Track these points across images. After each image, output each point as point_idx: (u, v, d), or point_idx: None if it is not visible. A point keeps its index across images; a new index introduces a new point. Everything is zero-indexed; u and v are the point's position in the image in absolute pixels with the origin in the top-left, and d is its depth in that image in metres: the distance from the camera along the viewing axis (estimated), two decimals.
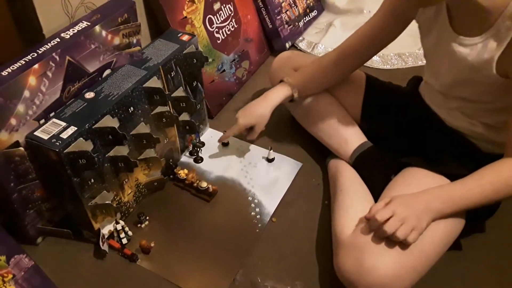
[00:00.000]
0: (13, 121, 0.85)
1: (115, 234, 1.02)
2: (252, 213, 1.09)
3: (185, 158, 1.25)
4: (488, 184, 0.84)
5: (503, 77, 0.82)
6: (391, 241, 0.82)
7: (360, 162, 1.10)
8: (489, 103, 0.90)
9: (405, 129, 1.10)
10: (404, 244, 0.82)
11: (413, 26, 1.04)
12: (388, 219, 0.82)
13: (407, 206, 0.84)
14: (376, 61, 1.61)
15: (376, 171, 1.06)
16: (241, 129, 1.15)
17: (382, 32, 1.03)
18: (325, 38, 1.72)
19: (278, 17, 1.62)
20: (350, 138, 1.13)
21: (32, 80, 0.85)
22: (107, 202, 0.96)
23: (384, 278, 0.79)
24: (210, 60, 1.35)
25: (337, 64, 1.10)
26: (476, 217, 0.93)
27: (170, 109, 1.10)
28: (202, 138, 1.28)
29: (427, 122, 1.04)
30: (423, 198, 0.86)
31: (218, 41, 1.41)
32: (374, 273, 0.79)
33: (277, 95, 1.13)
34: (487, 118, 0.93)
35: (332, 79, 1.14)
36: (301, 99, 1.16)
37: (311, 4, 1.82)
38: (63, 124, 0.88)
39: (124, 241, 1.02)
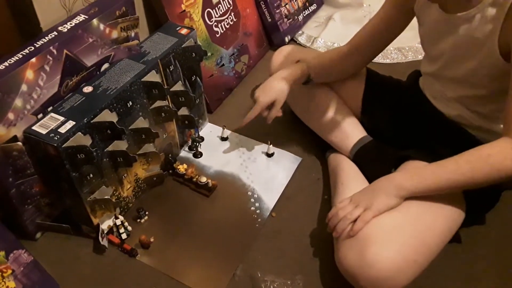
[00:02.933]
0: (10, 116, 0.84)
1: (115, 229, 1.02)
2: (252, 208, 1.09)
3: (184, 153, 1.24)
4: (465, 161, 0.80)
5: (504, 56, 0.81)
6: (393, 234, 0.82)
7: (360, 156, 1.10)
8: (485, 87, 0.89)
9: (405, 123, 1.09)
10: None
11: (413, 20, 1.03)
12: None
13: (364, 193, 0.86)
14: None
15: (377, 165, 1.06)
16: (263, 108, 1.09)
17: (389, 24, 1.03)
18: (325, 32, 1.71)
19: (278, 11, 1.61)
20: (350, 132, 1.13)
21: (29, 74, 0.84)
22: (106, 197, 0.96)
23: (386, 271, 0.79)
24: (209, 54, 1.34)
25: (349, 56, 1.10)
26: (476, 210, 0.93)
27: (169, 103, 1.09)
28: (201, 133, 1.28)
29: (427, 115, 1.03)
30: (385, 178, 0.86)
31: (217, 35, 1.40)
32: (376, 266, 0.79)
33: (295, 71, 1.10)
34: (483, 107, 0.92)
35: (345, 70, 1.14)
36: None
37: None
38: (61, 118, 0.88)
39: (124, 236, 1.01)
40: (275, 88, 1.08)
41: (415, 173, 0.86)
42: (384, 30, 1.05)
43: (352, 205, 0.86)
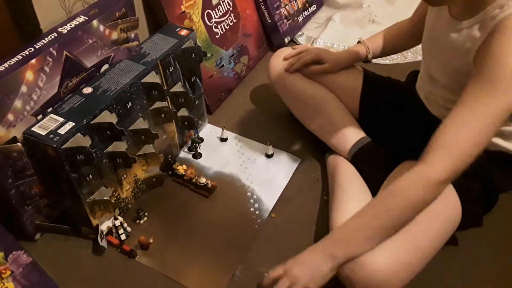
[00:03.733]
0: (10, 117, 0.84)
1: (114, 230, 1.02)
2: (251, 209, 1.09)
3: (183, 153, 1.24)
4: (379, 203, 0.81)
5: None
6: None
7: (358, 157, 1.10)
8: None
9: (403, 124, 1.09)
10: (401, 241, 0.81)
11: None
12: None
13: (300, 264, 0.80)
14: None
15: (375, 166, 1.06)
16: (313, 58, 1.15)
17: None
18: (325, 33, 1.71)
19: (277, 12, 1.61)
20: (348, 133, 1.13)
21: (29, 75, 0.84)
22: (105, 198, 0.96)
23: (380, 274, 0.79)
24: (208, 55, 1.35)
25: (415, 30, 1.10)
26: (472, 212, 0.93)
27: (168, 104, 1.09)
28: (201, 134, 1.28)
29: (423, 116, 1.03)
30: (317, 249, 0.81)
31: (217, 36, 1.40)
32: (370, 269, 0.79)
33: (353, 49, 1.17)
34: None
35: (407, 45, 1.18)
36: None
37: None
38: (61, 119, 0.88)
39: (123, 237, 1.01)
40: (334, 54, 1.17)
41: (341, 237, 0.82)
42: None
43: (288, 281, 0.78)
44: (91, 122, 0.89)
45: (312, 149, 1.24)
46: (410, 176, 0.79)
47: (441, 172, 0.77)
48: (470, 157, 0.77)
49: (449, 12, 0.89)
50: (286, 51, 1.25)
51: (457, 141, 0.77)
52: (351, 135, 1.13)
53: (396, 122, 1.11)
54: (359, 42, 1.18)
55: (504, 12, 0.75)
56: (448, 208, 0.88)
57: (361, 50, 1.16)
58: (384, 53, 1.18)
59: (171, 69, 1.08)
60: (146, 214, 1.07)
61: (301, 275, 0.78)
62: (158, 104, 1.05)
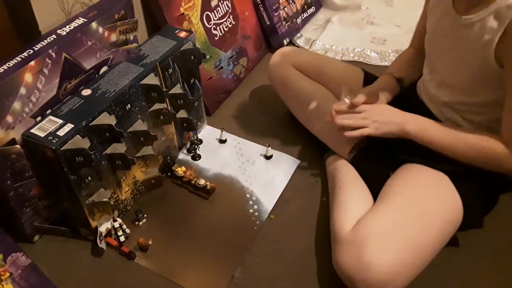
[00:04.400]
0: (9, 119, 0.84)
1: (113, 232, 1.02)
2: (250, 210, 1.09)
3: (182, 155, 1.24)
4: (463, 141, 0.90)
5: (499, 65, 0.81)
6: (390, 237, 0.82)
7: (358, 159, 1.10)
8: (477, 95, 0.90)
9: None
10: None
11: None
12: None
13: (380, 114, 0.98)
14: (374, 58, 1.60)
15: (375, 168, 1.06)
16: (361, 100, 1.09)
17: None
18: (323, 34, 1.72)
19: (276, 14, 1.62)
20: None
21: (28, 77, 0.84)
22: (104, 199, 0.96)
23: (382, 274, 0.79)
24: (207, 57, 1.35)
25: (418, 57, 1.11)
26: (473, 212, 0.93)
27: (167, 106, 1.09)
28: (200, 135, 1.28)
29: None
30: (400, 115, 0.97)
31: (216, 38, 1.40)
32: (372, 269, 0.79)
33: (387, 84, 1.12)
34: (474, 116, 0.93)
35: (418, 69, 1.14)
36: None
37: (309, 0, 1.81)
38: (60, 121, 0.88)
39: (122, 238, 1.01)
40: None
41: (423, 127, 0.95)
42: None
43: (362, 116, 0.99)
44: (90, 124, 0.89)
45: (311, 150, 1.24)
46: (495, 143, 0.87)
47: None
48: None
49: (454, 8, 0.88)
50: (286, 50, 1.25)
51: None
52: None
53: None
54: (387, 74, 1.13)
55: None
56: (449, 208, 0.89)
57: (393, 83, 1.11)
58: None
59: (170, 71, 1.08)
60: (145, 215, 1.07)
61: (374, 117, 0.98)
62: (157, 106, 1.05)
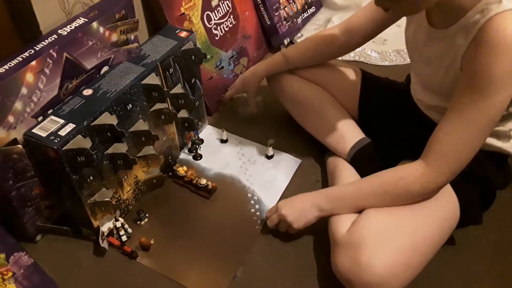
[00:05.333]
0: (10, 119, 0.84)
1: (115, 232, 1.02)
2: (252, 210, 1.09)
3: (184, 155, 1.24)
4: (378, 184, 0.88)
5: None
6: (385, 239, 0.82)
7: (357, 159, 1.10)
8: None
9: (401, 124, 1.09)
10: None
11: None
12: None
13: (290, 206, 0.96)
14: (374, 58, 1.60)
15: (374, 168, 1.06)
16: (237, 90, 1.28)
17: (384, 17, 1.03)
18: None
19: (276, 14, 1.62)
20: (347, 135, 1.13)
21: (29, 77, 0.84)
22: (106, 199, 0.96)
23: (379, 275, 0.79)
24: (208, 56, 1.35)
25: (342, 38, 1.10)
26: (471, 209, 0.93)
27: (168, 106, 1.09)
28: (201, 135, 1.28)
29: (419, 117, 1.03)
30: (309, 197, 0.96)
31: (216, 38, 1.40)
32: (369, 271, 0.79)
33: (269, 61, 1.21)
34: None
35: (333, 53, 1.15)
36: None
37: (309, 0, 1.81)
38: (61, 121, 0.88)
39: (124, 238, 1.01)
40: (246, 78, 1.24)
41: (338, 197, 0.94)
42: (377, 18, 1.04)
43: (277, 218, 0.98)
44: (92, 124, 0.89)
45: (312, 150, 1.24)
46: (412, 170, 0.85)
47: (439, 177, 0.83)
48: (466, 160, 0.81)
49: (428, 22, 0.88)
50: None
51: (454, 147, 0.81)
52: (350, 137, 1.13)
53: (394, 122, 1.11)
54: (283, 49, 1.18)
55: (485, 17, 0.73)
56: (446, 207, 0.89)
57: (280, 61, 1.17)
58: (306, 62, 1.17)
59: (171, 70, 1.08)
60: (146, 215, 1.07)
61: (288, 215, 0.95)
62: (158, 106, 1.05)
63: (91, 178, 0.93)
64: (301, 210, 0.95)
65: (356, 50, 1.64)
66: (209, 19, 1.38)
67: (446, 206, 0.89)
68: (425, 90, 0.98)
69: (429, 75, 0.93)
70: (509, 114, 0.87)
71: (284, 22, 1.65)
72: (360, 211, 0.90)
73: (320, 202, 0.94)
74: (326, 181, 1.15)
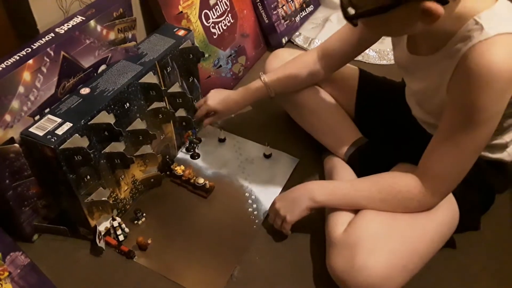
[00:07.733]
0: (7, 118, 0.84)
1: (112, 231, 1.02)
2: (249, 209, 1.09)
3: (181, 154, 1.24)
4: (377, 191, 0.87)
5: None
6: (381, 240, 0.83)
7: (354, 159, 1.10)
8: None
9: (398, 124, 1.09)
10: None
11: None
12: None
13: (284, 199, 0.97)
14: (372, 57, 1.60)
15: (371, 168, 1.06)
16: (208, 109, 1.15)
17: (360, 38, 1.02)
18: (322, 33, 1.71)
19: (275, 12, 1.61)
20: (344, 135, 1.13)
21: (26, 76, 0.84)
22: (103, 198, 0.96)
23: (374, 277, 0.79)
24: (206, 55, 1.35)
25: (321, 60, 1.09)
26: (469, 215, 0.93)
27: (166, 105, 1.09)
28: (198, 134, 1.28)
29: (414, 118, 1.03)
30: (304, 188, 0.95)
31: (214, 36, 1.40)
32: (364, 272, 0.79)
33: (248, 93, 1.15)
34: None
35: (315, 75, 1.11)
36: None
37: None
38: (58, 120, 0.88)
39: (121, 237, 1.01)
40: (225, 102, 1.15)
41: (332, 191, 0.94)
42: (355, 43, 1.03)
43: (274, 213, 0.98)
44: (89, 123, 0.89)
45: (310, 149, 1.24)
46: (410, 187, 0.85)
47: (436, 195, 0.85)
48: (461, 178, 0.82)
49: (407, 47, 0.88)
50: (282, 52, 1.25)
51: (448, 170, 0.81)
52: (347, 137, 1.12)
53: (392, 121, 1.11)
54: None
55: (467, 45, 0.72)
56: (445, 211, 0.88)
57: (261, 89, 1.12)
58: (288, 90, 1.14)
59: (169, 69, 1.08)
60: (144, 214, 1.07)
61: (281, 207, 0.96)
62: (156, 105, 1.05)
63: (88, 177, 0.93)
64: (294, 200, 0.95)
65: None
66: (207, 17, 1.37)
67: (445, 210, 0.88)
68: (419, 105, 0.97)
69: (419, 93, 0.93)
70: (504, 128, 0.86)
71: (282, 21, 1.65)
72: (356, 211, 0.90)
73: (313, 191, 0.93)
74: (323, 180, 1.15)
